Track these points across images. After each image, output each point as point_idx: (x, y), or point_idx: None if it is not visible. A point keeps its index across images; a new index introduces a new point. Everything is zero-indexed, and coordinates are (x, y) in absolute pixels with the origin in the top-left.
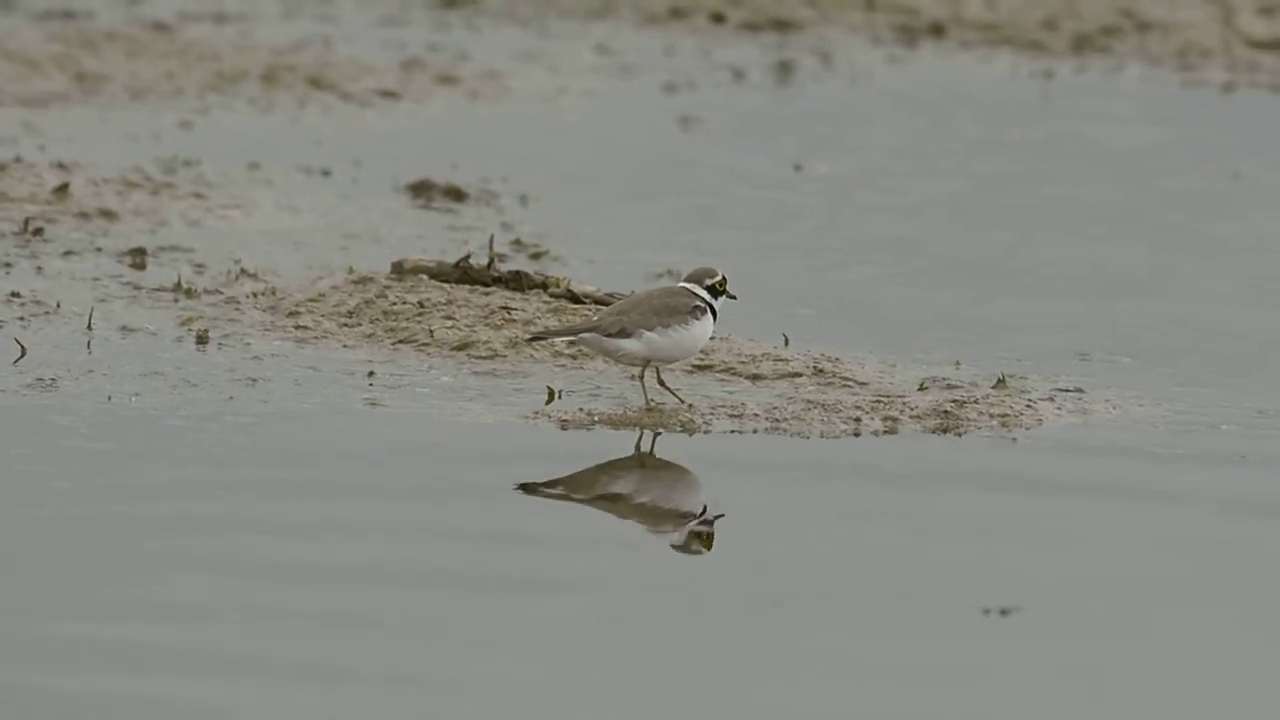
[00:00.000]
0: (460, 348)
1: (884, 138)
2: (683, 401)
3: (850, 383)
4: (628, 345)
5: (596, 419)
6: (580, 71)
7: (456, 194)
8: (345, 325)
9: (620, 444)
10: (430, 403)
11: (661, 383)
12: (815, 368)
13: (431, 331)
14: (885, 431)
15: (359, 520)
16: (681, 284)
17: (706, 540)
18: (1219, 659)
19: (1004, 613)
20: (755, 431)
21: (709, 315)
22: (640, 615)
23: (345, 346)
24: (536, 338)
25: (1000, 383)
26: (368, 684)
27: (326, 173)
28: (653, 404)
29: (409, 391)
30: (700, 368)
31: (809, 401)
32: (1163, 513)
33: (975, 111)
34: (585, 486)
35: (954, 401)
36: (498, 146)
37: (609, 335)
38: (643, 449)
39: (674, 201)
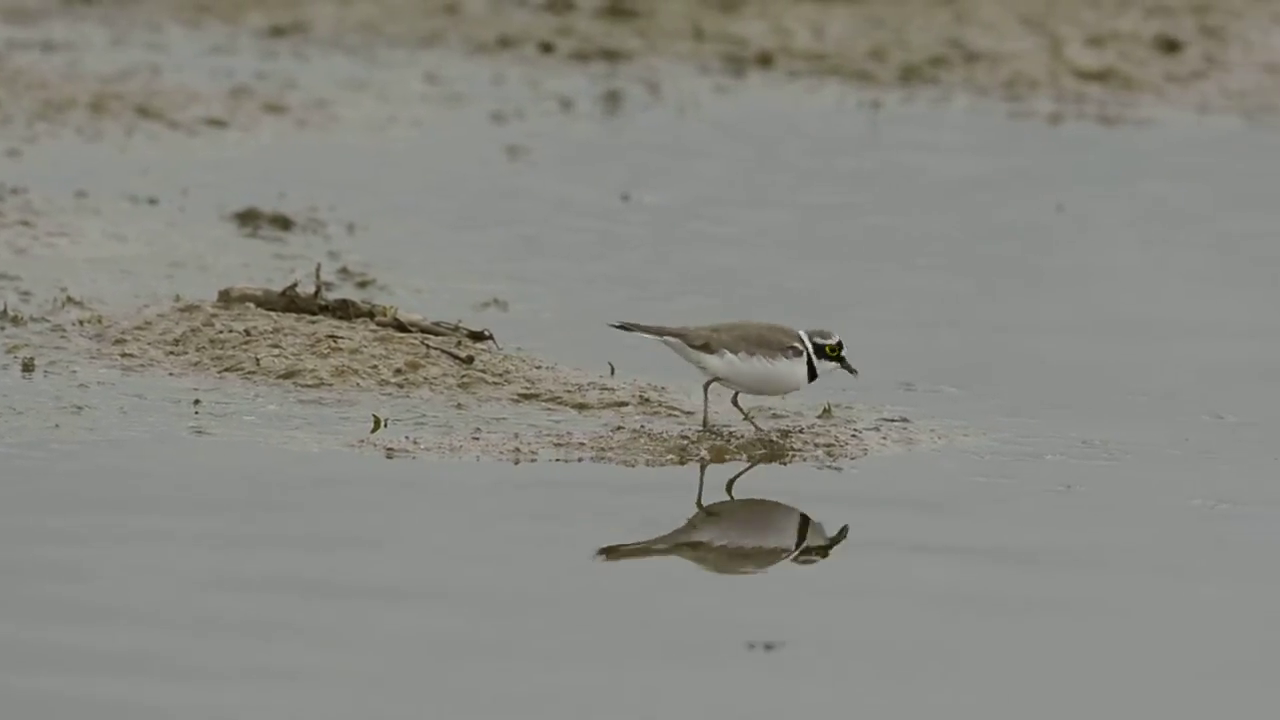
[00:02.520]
0: (286, 376)
1: (712, 168)
2: (758, 428)
3: (676, 412)
4: (709, 360)
5: (423, 447)
6: (409, 100)
7: (283, 222)
8: (171, 353)
9: (448, 472)
10: (256, 431)
11: (734, 402)
12: (641, 397)
13: (258, 360)
14: (711, 460)
15: (183, 548)
16: (800, 331)
17: None
18: (995, 702)
19: (769, 647)
20: (581, 460)
21: (803, 362)
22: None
23: (171, 374)
24: (624, 326)
25: (826, 412)
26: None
27: (154, 201)
28: (712, 426)
29: (235, 420)
30: (526, 396)
31: (635, 431)
32: (971, 545)
33: (803, 142)
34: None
35: (780, 431)
36: (325, 175)
37: (694, 346)
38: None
39: (501, 231)
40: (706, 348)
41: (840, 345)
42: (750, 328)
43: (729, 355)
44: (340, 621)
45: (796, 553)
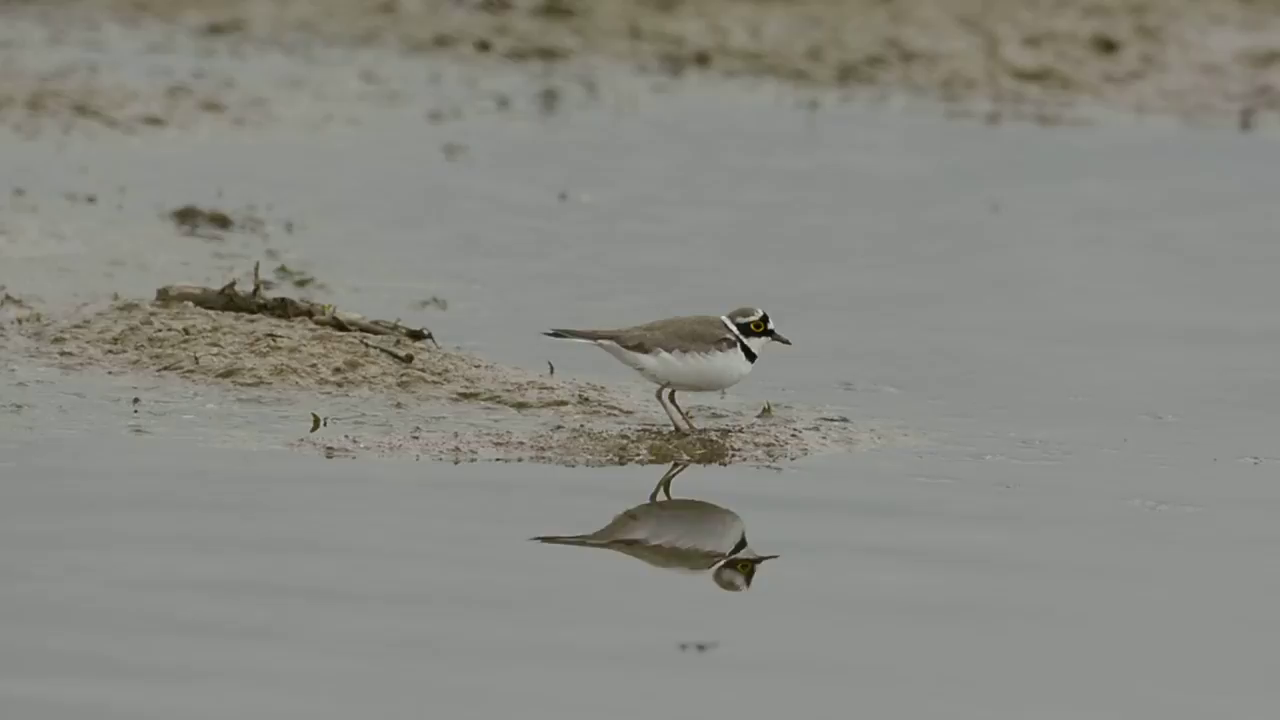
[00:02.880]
0: (225, 375)
1: (649, 167)
2: (692, 429)
3: (616, 411)
4: (645, 360)
5: (362, 446)
6: (346, 99)
7: (222, 221)
8: (110, 352)
9: (388, 471)
10: (195, 429)
11: (671, 400)
12: (581, 396)
13: (197, 358)
14: (651, 460)
15: (122, 547)
16: (722, 317)
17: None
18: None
19: (701, 648)
20: (521, 460)
21: (738, 351)
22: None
23: (110, 373)
24: (557, 333)
25: (766, 412)
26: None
27: (92, 199)
28: (680, 430)
29: (174, 418)
30: (466, 395)
31: (575, 430)
32: (912, 545)
33: (740, 141)
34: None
35: (720, 430)
36: (263, 174)
37: (627, 347)
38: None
39: (439, 230)
40: (641, 348)
41: (765, 319)
42: (683, 323)
43: (664, 354)
44: (279, 620)
45: (731, 555)
